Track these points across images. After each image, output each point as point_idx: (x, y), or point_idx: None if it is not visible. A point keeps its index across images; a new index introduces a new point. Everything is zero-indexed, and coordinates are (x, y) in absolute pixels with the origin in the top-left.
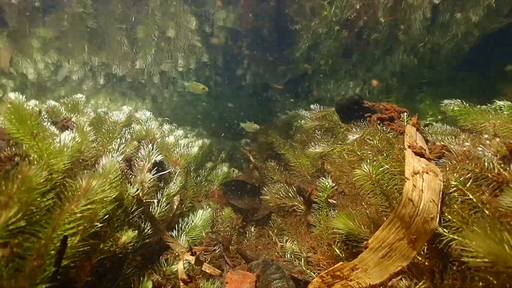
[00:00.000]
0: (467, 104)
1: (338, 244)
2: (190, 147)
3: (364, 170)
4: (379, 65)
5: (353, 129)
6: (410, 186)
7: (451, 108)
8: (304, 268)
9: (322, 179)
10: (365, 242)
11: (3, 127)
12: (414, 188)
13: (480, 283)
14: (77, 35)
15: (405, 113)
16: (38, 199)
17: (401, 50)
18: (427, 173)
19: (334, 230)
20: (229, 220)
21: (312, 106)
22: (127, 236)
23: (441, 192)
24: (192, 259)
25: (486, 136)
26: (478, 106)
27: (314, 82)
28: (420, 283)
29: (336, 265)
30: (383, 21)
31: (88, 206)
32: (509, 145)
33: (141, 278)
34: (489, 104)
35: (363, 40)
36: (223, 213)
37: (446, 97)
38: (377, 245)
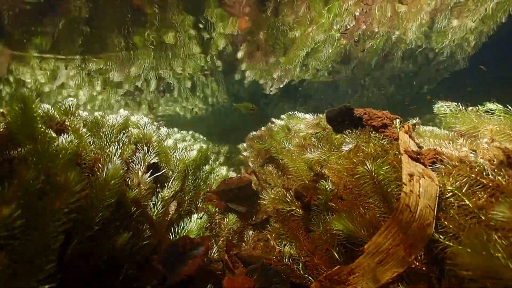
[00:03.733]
0: (463, 108)
1: (337, 248)
2: (188, 150)
3: (366, 168)
4: (377, 71)
5: (347, 139)
6: (407, 192)
7: (443, 110)
8: (302, 272)
9: (322, 182)
10: (361, 248)
11: (2, 129)
12: (411, 194)
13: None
14: (74, 41)
15: (397, 120)
16: (35, 201)
17: (399, 56)
18: (424, 178)
19: (334, 232)
20: (228, 224)
21: (307, 115)
22: (123, 238)
23: (437, 198)
24: None
25: (485, 140)
26: (470, 108)
27: (312, 88)
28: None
29: (333, 269)
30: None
31: (71, 200)
32: (505, 150)
33: (140, 282)
34: (479, 107)
35: (361, 47)
36: (226, 219)
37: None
38: (374, 250)
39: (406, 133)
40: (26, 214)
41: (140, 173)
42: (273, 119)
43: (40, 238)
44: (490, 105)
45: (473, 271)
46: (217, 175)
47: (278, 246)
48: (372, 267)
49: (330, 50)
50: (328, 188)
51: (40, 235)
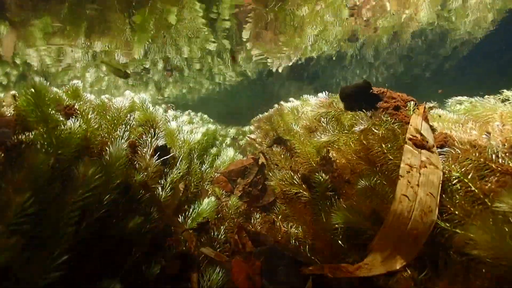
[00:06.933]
0: (474, 100)
1: (341, 236)
2: (194, 133)
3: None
4: (386, 50)
5: (360, 120)
6: (404, 183)
7: (458, 108)
8: (308, 254)
9: (316, 174)
10: (369, 246)
11: (9, 115)
12: (409, 184)
13: (484, 270)
14: (78, 22)
15: (412, 102)
16: (46, 186)
17: (409, 35)
18: (426, 166)
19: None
20: (235, 206)
21: (319, 94)
22: (134, 222)
23: (440, 185)
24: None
25: (497, 123)
26: (486, 96)
27: (320, 67)
28: (424, 273)
29: (341, 265)
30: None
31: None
32: None
33: (149, 263)
34: (498, 95)
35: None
36: (230, 202)
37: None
38: (380, 246)
39: (420, 115)
40: (38, 201)
41: (147, 156)
42: (282, 102)
43: (54, 225)
44: (508, 92)
45: (485, 251)
46: (224, 157)
47: (285, 228)
48: (380, 262)
49: (338, 28)
50: (323, 180)
51: (54, 222)
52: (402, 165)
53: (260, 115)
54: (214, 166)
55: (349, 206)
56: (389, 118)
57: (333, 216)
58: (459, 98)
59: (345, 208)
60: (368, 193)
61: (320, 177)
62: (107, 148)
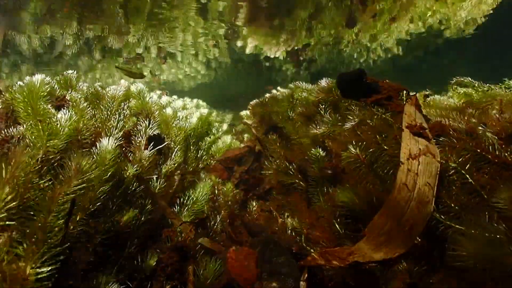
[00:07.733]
0: (476, 84)
1: (339, 220)
2: (189, 118)
3: (352, 152)
4: (384, 34)
5: (349, 116)
6: (404, 170)
7: (459, 92)
8: (304, 244)
9: (313, 150)
10: (362, 232)
11: (1, 107)
12: (409, 172)
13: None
14: (69, 8)
15: (404, 91)
16: (35, 181)
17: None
18: (424, 155)
19: (335, 205)
20: (231, 195)
21: (323, 80)
22: (128, 215)
23: (437, 175)
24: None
25: (495, 111)
26: (488, 85)
27: (316, 52)
28: (420, 265)
29: (335, 248)
30: None
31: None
32: None
33: (144, 256)
34: (500, 83)
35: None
36: (225, 188)
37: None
38: (375, 233)
39: (413, 105)
40: (26, 195)
41: (141, 147)
42: (279, 88)
43: (44, 218)
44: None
45: (474, 258)
46: (221, 144)
47: (281, 218)
48: (373, 248)
49: (333, 11)
50: (320, 156)
51: (44, 215)
52: (402, 151)
53: (257, 100)
54: (210, 153)
55: (352, 186)
56: (382, 108)
57: (338, 195)
58: (461, 79)
59: (349, 189)
60: (363, 173)
61: (317, 153)
62: (100, 139)
